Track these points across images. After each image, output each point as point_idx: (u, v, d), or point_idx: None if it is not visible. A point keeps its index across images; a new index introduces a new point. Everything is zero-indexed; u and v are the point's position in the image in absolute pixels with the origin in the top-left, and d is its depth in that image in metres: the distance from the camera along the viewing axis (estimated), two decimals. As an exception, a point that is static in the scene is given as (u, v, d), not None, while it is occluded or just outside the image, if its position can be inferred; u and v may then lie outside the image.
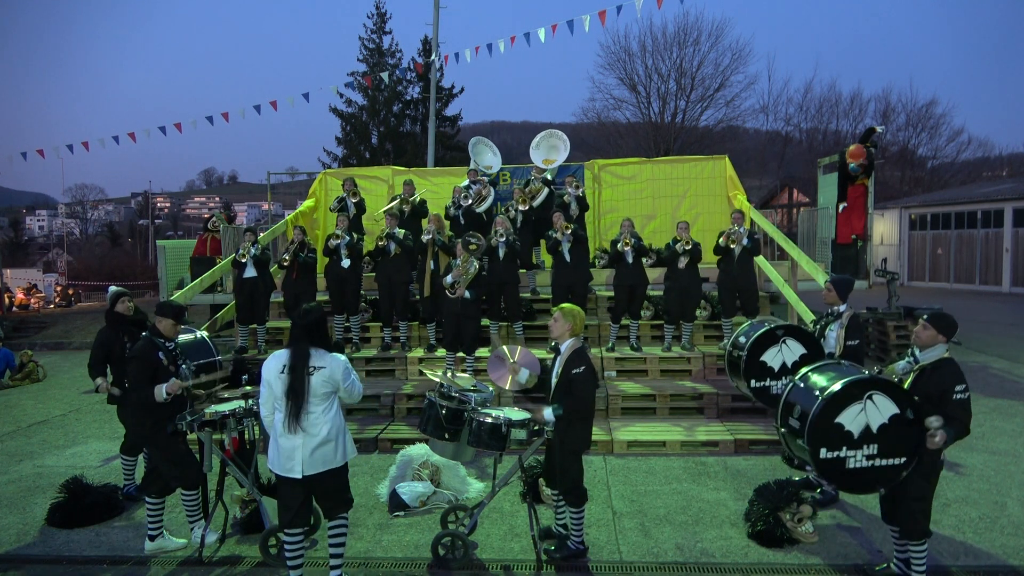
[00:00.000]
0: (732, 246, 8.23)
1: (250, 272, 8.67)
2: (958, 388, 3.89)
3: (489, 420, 4.45)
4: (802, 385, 4.33)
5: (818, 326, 5.59)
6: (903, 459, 3.99)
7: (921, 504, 4.02)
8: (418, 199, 9.99)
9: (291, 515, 4.01)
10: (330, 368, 3.94)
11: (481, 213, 9.80)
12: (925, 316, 4.13)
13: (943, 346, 4.03)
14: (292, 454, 3.90)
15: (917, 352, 4.09)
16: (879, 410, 4.00)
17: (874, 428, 3.99)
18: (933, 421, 3.85)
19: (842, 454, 4.01)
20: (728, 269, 8.36)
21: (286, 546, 4.08)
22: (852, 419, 4.01)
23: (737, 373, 6.19)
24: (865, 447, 3.99)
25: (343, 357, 4.06)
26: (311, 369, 3.90)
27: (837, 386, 4.06)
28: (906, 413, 3.96)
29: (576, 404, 4.35)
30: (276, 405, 3.96)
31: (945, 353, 4.02)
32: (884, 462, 4.00)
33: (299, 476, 3.90)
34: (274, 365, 3.97)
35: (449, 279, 7.78)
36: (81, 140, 16.14)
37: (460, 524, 4.88)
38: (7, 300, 20.00)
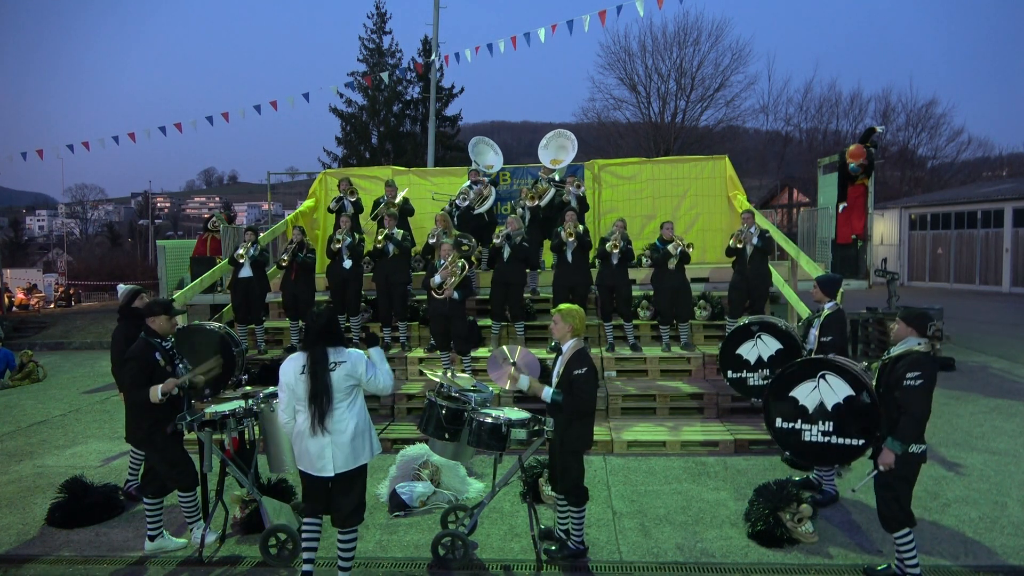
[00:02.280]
0: (739, 245, 8.23)
1: (246, 272, 8.65)
2: (910, 375, 3.92)
3: (489, 420, 4.46)
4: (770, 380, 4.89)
5: (804, 324, 5.66)
6: (862, 441, 4.27)
7: (891, 492, 4.02)
8: (400, 199, 10.00)
9: (317, 506, 4.10)
10: (350, 362, 3.99)
11: (482, 213, 9.80)
12: (900, 314, 4.27)
13: (914, 339, 4.08)
14: (323, 453, 3.92)
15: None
16: (833, 390, 4.35)
17: (828, 406, 4.37)
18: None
19: (797, 426, 4.46)
20: (741, 270, 8.33)
21: (304, 531, 4.13)
22: (806, 395, 4.45)
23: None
24: (820, 423, 4.37)
25: (360, 351, 4.10)
26: (332, 365, 3.94)
27: (789, 365, 4.62)
28: (861, 396, 4.22)
29: (577, 404, 4.36)
30: (297, 407, 3.98)
31: (917, 346, 4.04)
32: (841, 441, 4.35)
33: (332, 475, 3.94)
34: (292, 368, 3.99)
35: (437, 279, 7.76)
36: (81, 140, 16.18)
37: (460, 524, 4.88)
38: (7, 300, 19.99)
